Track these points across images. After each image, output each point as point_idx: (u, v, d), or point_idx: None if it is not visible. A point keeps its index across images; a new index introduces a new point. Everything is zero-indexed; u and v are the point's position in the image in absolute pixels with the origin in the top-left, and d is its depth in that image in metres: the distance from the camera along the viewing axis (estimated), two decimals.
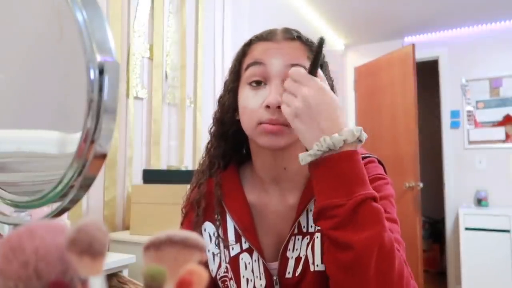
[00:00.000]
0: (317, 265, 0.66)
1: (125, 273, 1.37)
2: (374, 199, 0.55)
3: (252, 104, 0.67)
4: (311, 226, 0.68)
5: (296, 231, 0.68)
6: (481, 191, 3.75)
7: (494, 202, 3.70)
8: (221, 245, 0.73)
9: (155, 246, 0.28)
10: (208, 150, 0.79)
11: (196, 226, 0.74)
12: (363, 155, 0.70)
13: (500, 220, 3.32)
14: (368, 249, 0.51)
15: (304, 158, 0.57)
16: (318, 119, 0.56)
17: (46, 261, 0.28)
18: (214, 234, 0.74)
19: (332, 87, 0.74)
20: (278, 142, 0.65)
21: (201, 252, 0.29)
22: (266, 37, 0.70)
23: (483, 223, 3.37)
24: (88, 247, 0.26)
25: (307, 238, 0.68)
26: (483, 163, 3.80)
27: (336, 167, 0.55)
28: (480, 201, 3.72)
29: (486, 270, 3.28)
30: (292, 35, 0.69)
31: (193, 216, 0.76)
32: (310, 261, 0.66)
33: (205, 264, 0.75)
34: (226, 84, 0.76)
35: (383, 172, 0.71)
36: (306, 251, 0.67)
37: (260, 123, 0.65)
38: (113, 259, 1.31)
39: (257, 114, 0.66)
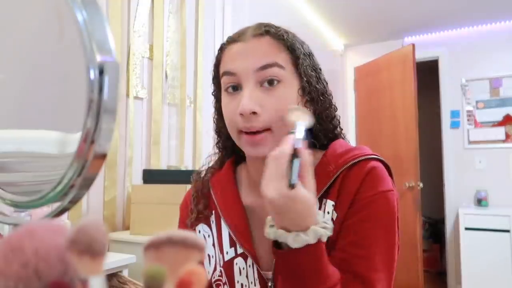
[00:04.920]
0: None
1: (125, 273, 1.36)
2: None
3: (229, 111, 0.66)
4: None
5: None
6: (481, 191, 3.74)
7: (494, 202, 3.70)
8: (216, 248, 0.72)
9: (155, 246, 0.28)
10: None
11: (190, 225, 0.74)
12: (365, 157, 0.67)
13: (500, 220, 3.32)
14: None
15: (269, 233, 0.56)
16: (283, 218, 0.54)
17: (46, 261, 0.28)
18: (208, 236, 0.74)
19: (325, 90, 0.72)
20: (261, 151, 0.63)
21: (200, 252, 0.29)
22: (235, 38, 0.68)
23: (483, 223, 3.37)
24: (88, 247, 0.26)
25: None
26: (483, 163, 3.80)
27: (293, 261, 0.54)
28: (480, 201, 3.72)
29: (486, 270, 3.28)
30: (261, 31, 0.66)
31: (186, 216, 0.76)
32: None
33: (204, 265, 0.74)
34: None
35: (385, 182, 0.66)
36: None
37: (240, 131, 0.65)
38: (113, 259, 1.31)
39: (235, 121, 0.65)
